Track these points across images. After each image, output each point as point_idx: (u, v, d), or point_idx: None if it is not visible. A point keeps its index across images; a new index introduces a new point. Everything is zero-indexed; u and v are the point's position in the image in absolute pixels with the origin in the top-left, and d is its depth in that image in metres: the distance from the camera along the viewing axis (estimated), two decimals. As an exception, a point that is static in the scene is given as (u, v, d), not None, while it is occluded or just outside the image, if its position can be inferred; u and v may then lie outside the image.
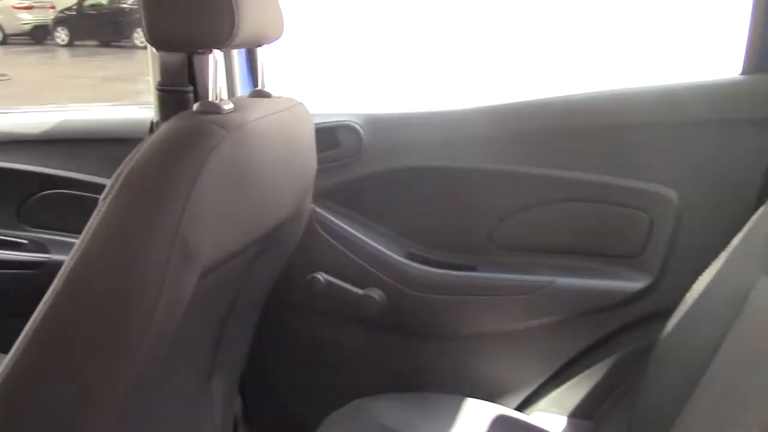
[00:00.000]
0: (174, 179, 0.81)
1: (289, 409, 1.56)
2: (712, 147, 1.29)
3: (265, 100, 1.09)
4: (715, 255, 1.15)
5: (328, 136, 1.41)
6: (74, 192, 1.62)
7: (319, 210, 1.41)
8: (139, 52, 11.92)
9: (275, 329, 1.48)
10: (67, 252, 0.84)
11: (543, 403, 1.41)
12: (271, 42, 1.05)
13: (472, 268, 1.41)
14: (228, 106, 0.93)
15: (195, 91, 1.06)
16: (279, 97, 1.14)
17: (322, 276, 1.42)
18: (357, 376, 1.46)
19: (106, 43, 12.23)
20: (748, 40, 1.28)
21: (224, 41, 0.89)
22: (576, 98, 1.35)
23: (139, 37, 12.22)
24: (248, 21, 0.90)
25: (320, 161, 1.28)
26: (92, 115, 1.73)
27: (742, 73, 1.29)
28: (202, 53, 0.97)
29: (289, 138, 1.09)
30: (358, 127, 1.41)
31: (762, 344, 0.92)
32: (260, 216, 1.03)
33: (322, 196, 1.39)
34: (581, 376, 1.39)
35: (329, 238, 1.43)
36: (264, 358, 1.53)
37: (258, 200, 1.00)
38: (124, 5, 12.59)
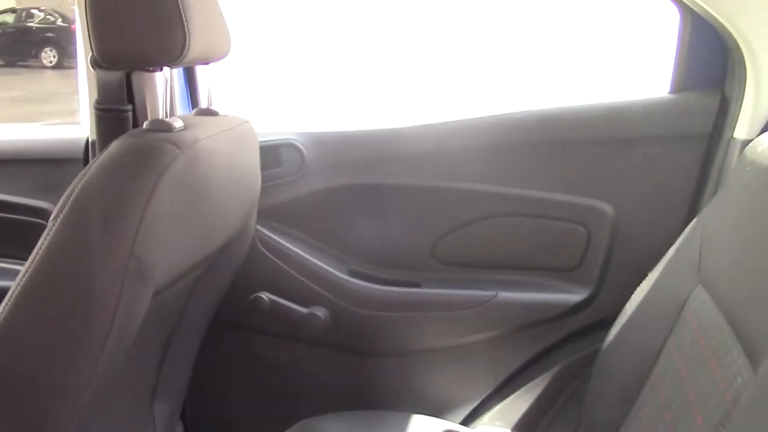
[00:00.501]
0: (129, 198, 0.79)
1: (232, 429, 1.54)
2: (645, 162, 1.34)
3: (213, 118, 1.09)
4: (651, 266, 1.20)
5: (271, 154, 1.40)
6: (6, 215, 1.56)
7: (261, 229, 1.40)
8: (47, 72, 11.59)
9: (218, 351, 1.45)
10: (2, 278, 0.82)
11: (488, 416, 1.43)
12: (220, 60, 1.04)
13: (416, 284, 1.43)
14: (178, 123, 0.92)
15: (133, 110, 1.04)
16: (226, 116, 1.13)
17: (265, 295, 1.41)
18: (303, 396, 1.45)
19: (12, 63, 11.85)
20: (675, 60, 1.35)
21: (176, 59, 0.88)
22: (515, 115, 1.39)
23: (47, 57, 11.92)
24: (199, 39, 0.89)
25: (263, 179, 1.27)
26: (19, 135, 1.67)
27: (670, 92, 1.35)
28: (153, 71, 0.95)
29: (237, 156, 1.09)
30: (300, 146, 1.41)
31: (701, 350, 0.95)
32: (211, 233, 1.02)
33: (264, 214, 1.38)
34: (525, 388, 1.42)
35: (272, 257, 1.42)
36: (207, 381, 1.50)
37: (209, 217, 0.99)
38: (30, 24, 12.25)
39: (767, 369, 0.74)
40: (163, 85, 0.93)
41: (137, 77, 1.02)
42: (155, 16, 0.86)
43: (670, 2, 1.30)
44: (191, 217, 0.91)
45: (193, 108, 1.38)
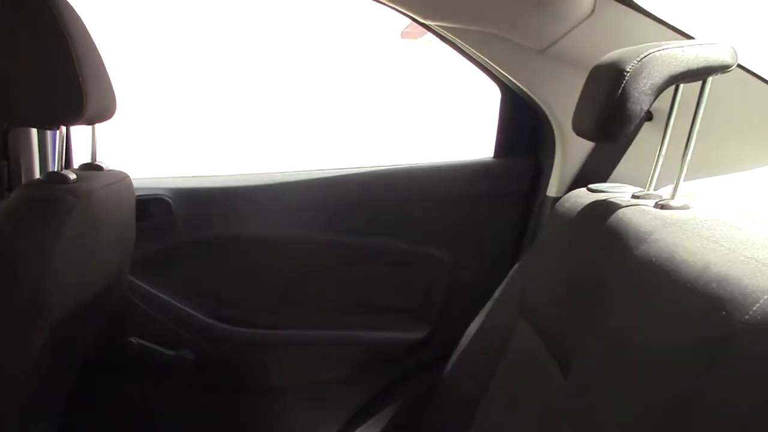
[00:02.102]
0: (34, 241, 0.86)
1: None
2: (476, 216, 1.54)
3: (100, 172, 1.16)
4: (482, 305, 1.39)
5: (142, 208, 1.47)
6: None
7: (131, 278, 1.46)
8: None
9: (88, 396, 1.47)
10: None
11: (342, 447, 1.55)
12: (109, 118, 1.12)
13: (275, 326, 1.53)
14: (72, 176, 0.99)
15: (8, 165, 1.10)
16: (111, 170, 1.20)
17: (135, 340, 1.45)
18: None
19: None
20: (497, 129, 1.57)
21: (74, 119, 0.95)
22: (366, 173, 1.54)
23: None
24: (93, 98, 0.97)
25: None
26: None
27: (494, 157, 1.57)
28: (49, 128, 1.02)
29: (119, 208, 1.16)
30: (168, 200, 1.49)
31: (525, 369, 1.14)
32: (97, 278, 1.08)
33: (135, 264, 1.44)
34: (375, 418, 1.55)
35: (141, 304, 1.47)
36: (79, 427, 1.50)
37: (97, 262, 1.05)
38: None
39: (575, 374, 0.93)
40: (61, 142, 0.99)
41: (13, 135, 1.08)
42: (54, 76, 0.93)
43: (491, 81, 1.52)
44: (84, 262, 0.98)
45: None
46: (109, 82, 1.08)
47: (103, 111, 1.06)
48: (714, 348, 0.63)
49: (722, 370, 0.62)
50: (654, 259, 0.82)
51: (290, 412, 1.54)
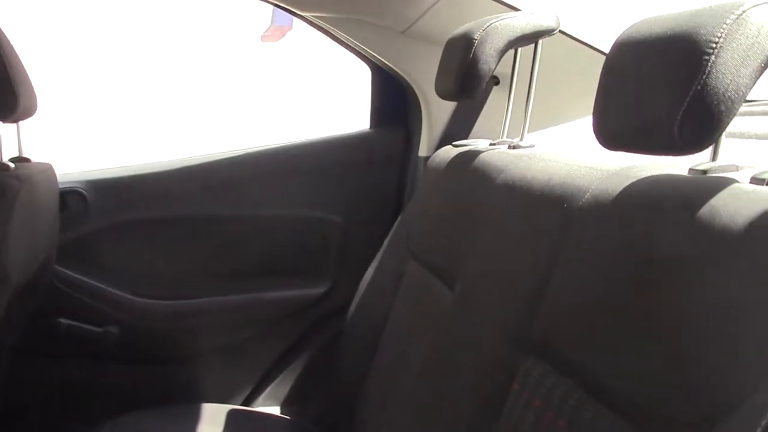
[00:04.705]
0: None
1: None
2: (361, 181, 1.74)
3: (29, 163, 1.27)
4: (374, 257, 1.60)
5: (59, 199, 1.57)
6: None
7: (56, 265, 1.56)
8: None
9: (21, 378, 1.56)
10: None
11: (262, 397, 1.72)
12: (33, 114, 1.23)
13: (190, 297, 1.67)
14: (12, 165, 1.11)
15: None
16: (39, 162, 1.31)
17: (63, 320, 1.56)
18: (105, 407, 1.55)
19: None
20: (370, 103, 1.78)
21: (8, 116, 1.07)
22: (263, 151, 1.70)
23: None
24: (23, 99, 1.09)
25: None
26: None
27: (371, 127, 1.78)
28: None
29: (49, 195, 1.28)
30: (83, 191, 1.60)
31: (418, 299, 1.35)
32: (34, 261, 1.20)
33: (57, 253, 1.55)
34: (287, 370, 1.73)
35: (65, 288, 1.58)
36: (11, 409, 1.59)
37: (35, 247, 1.17)
38: None
39: (459, 289, 1.15)
40: None
41: None
42: None
43: (360, 60, 1.73)
44: (29, 243, 1.11)
45: None
46: (30, 81, 1.20)
47: (29, 108, 1.18)
48: (560, 231, 0.87)
49: (567, 246, 0.86)
50: (511, 182, 1.06)
51: (211, 373, 1.70)
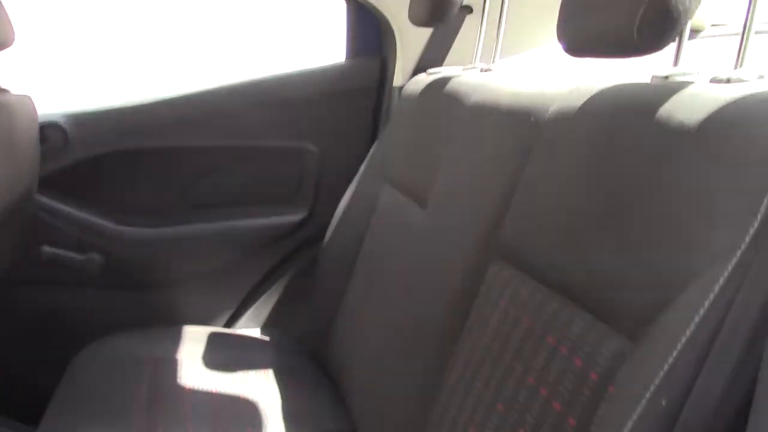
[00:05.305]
0: None
1: (29, 380, 1.67)
2: (337, 111, 1.77)
3: (7, 93, 1.28)
4: (348, 184, 1.64)
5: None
6: None
7: (37, 196, 1.59)
8: None
9: (4, 307, 1.60)
10: None
11: (243, 320, 1.78)
12: (8, 47, 1.23)
13: (174, 224, 1.71)
14: None
15: None
16: (17, 93, 1.32)
17: (47, 248, 1.60)
18: (90, 333, 1.59)
19: None
20: (346, 35, 1.80)
21: None
22: (241, 84, 1.71)
23: None
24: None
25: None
26: None
27: (346, 58, 1.80)
28: None
29: (29, 124, 1.30)
30: (62, 123, 1.61)
31: (392, 218, 1.41)
32: (14, 189, 1.23)
33: (38, 185, 1.57)
34: (267, 294, 1.79)
35: (48, 218, 1.61)
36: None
37: (16, 169, 1.20)
38: None
39: (431, 204, 1.21)
40: None
41: None
42: None
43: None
44: (8, 166, 1.13)
45: None
46: (6, 12, 1.21)
47: (4, 40, 1.19)
48: (527, 141, 0.94)
49: (533, 155, 0.92)
50: (481, 102, 1.11)
51: (192, 297, 1.75)
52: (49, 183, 1.60)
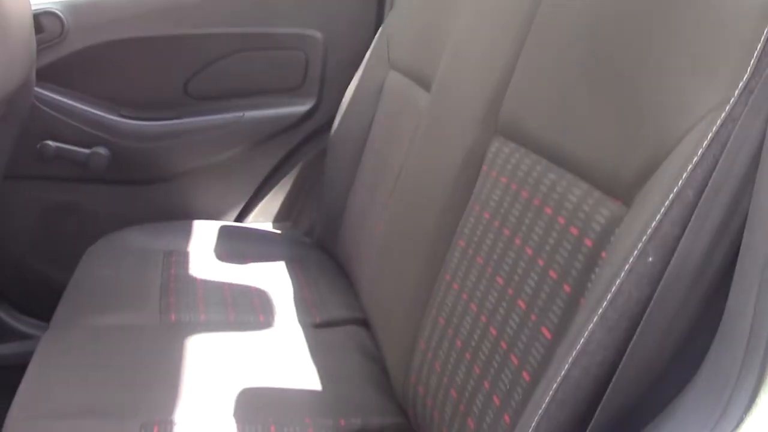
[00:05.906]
0: None
1: (42, 275, 1.70)
2: None
3: None
4: (354, 72, 1.61)
5: (34, 22, 1.55)
6: None
7: (37, 89, 1.56)
8: None
9: (10, 203, 1.61)
10: None
11: (253, 214, 1.79)
12: None
13: (179, 117, 1.70)
14: None
15: None
16: None
17: (51, 143, 1.59)
18: (98, 229, 1.60)
19: None
20: None
21: None
22: None
23: None
24: None
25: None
26: None
27: None
28: None
29: (23, 12, 1.26)
30: (58, 12, 1.57)
31: (398, 106, 1.39)
32: (10, 79, 1.21)
33: (37, 76, 1.53)
34: (277, 187, 1.79)
35: (49, 110, 1.59)
36: (9, 237, 1.65)
37: (11, 60, 1.18)
38: None
39: (435, 88, 1.18)
40: None
41: None
42: None
43: None
44: (2, 56, 1.11)
45: None
46: None
47: None
48: (528, 14, 0.90)
49: (534, 29, 0.89)
50: None
51: (201, 191, 1.74)
52: (48, 75, 1.58)
